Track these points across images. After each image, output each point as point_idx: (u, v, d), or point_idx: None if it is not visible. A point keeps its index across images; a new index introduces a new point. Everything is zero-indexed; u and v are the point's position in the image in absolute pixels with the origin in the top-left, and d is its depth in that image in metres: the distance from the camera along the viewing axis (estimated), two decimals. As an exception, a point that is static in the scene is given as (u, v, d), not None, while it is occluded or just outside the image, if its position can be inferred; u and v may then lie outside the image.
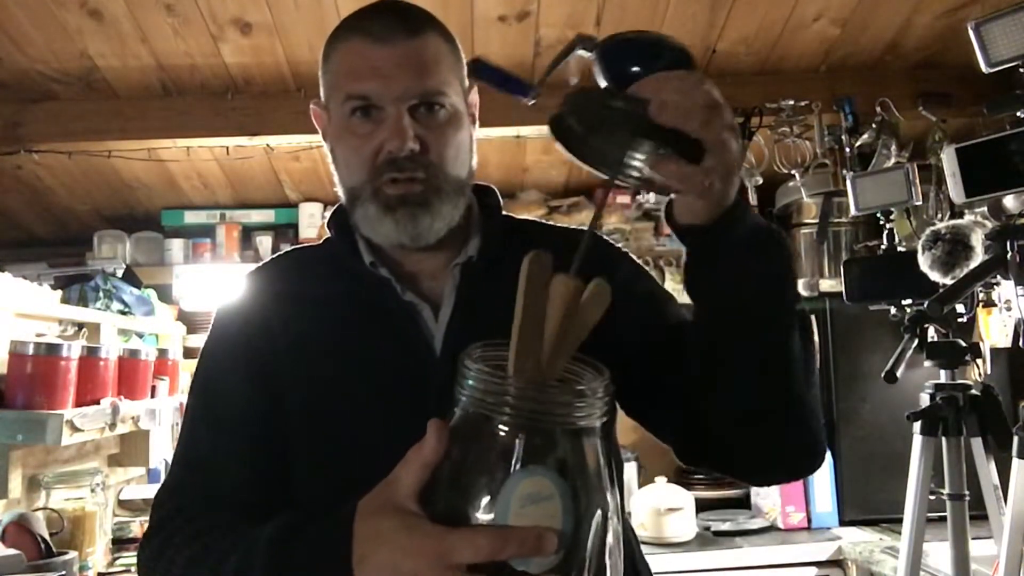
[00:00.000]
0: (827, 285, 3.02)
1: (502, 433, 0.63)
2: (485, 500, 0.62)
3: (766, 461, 0.92)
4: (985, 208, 1.76)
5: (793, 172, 2.72)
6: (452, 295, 0.99)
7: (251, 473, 0.96)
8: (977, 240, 1.82)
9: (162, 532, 0.92)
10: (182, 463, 1.00)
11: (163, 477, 2.65)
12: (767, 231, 0.82)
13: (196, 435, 1.00)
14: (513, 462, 0.62)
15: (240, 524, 0.85)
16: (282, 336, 0.98)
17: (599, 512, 0.65)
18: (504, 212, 1.09)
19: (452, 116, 0.97)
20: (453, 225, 0.98)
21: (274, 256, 1.12)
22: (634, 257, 1.09)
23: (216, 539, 0.85)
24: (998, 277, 1.77)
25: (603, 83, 0.78)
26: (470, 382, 0.65)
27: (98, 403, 1.94)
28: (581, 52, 0.80)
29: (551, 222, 1.14)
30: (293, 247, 1.14)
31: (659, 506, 2.77)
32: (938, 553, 2.18)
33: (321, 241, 1.11)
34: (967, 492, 1.89)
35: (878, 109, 2.60)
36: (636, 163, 0.74)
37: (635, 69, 0.76)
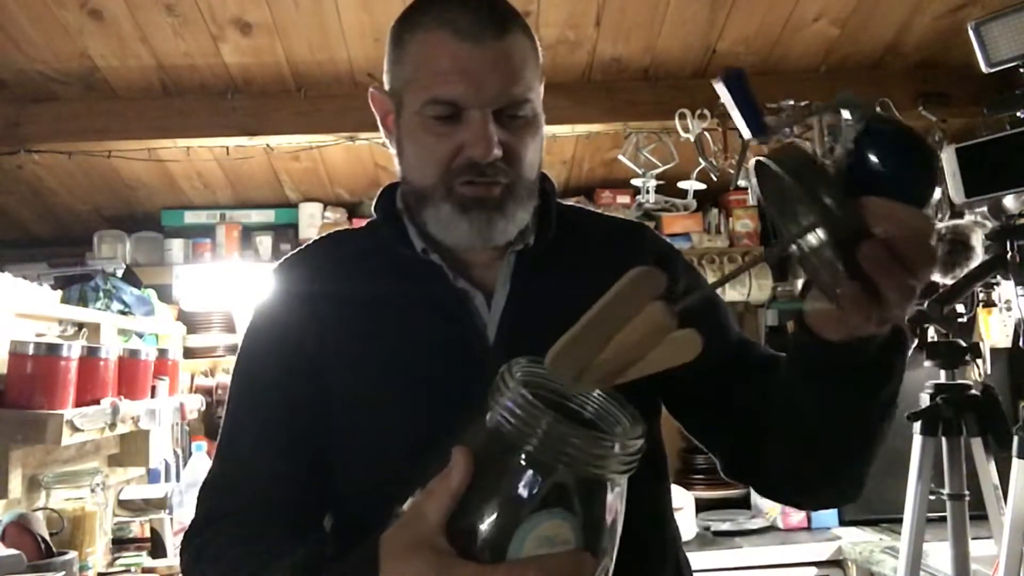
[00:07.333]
0: (827, 285, 3.01)
1: (527, 466, 0.60)
2: (489, 528, 0.60)
3: (808, 499, 0.99)
4: (985, 208, 1.75)
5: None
6: (507, 283, 0.97)
7: (287, 467, 0.94)
8: (977, 240, 1.81)
9: (198, 538, 0.92)
10: (222, 456, 0.98)
11: (163, 477, 2.67)
12: (895, 351, 0.78)
13: (236, 429, 0.99)
14: (535, 497, 0.60)
15: (267, 544, 0.85)
16: (329, 325, 0.96)
17: (604, 569, 0.63)
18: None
19: (533, 120, 0.95)
20: (523, 227, 0.97)
21: (311, 243, 1.08)
22: (706, 281, 1.07)
23: (244, 560, 0.84)
24: (998, 277, 1.77)
25: (840, 148, 0.72)
26: (507, 403, 0.61)
27: (98, 403, 1.94)
28: (845, 115, 0.75)
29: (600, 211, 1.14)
30: (331, 232, 1.11)
31: (659, 506, 2.76)
32: (938, 553, 2.17)
33: (364, 225, 1.08)
34: (967, 492, 1.88)
35: (878, 109, 2.59)
36: (813, 250, 0.68)
37: (874, 160, 0.69)
